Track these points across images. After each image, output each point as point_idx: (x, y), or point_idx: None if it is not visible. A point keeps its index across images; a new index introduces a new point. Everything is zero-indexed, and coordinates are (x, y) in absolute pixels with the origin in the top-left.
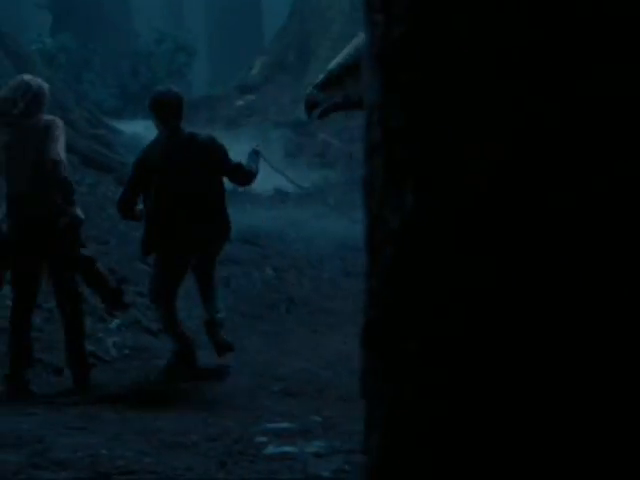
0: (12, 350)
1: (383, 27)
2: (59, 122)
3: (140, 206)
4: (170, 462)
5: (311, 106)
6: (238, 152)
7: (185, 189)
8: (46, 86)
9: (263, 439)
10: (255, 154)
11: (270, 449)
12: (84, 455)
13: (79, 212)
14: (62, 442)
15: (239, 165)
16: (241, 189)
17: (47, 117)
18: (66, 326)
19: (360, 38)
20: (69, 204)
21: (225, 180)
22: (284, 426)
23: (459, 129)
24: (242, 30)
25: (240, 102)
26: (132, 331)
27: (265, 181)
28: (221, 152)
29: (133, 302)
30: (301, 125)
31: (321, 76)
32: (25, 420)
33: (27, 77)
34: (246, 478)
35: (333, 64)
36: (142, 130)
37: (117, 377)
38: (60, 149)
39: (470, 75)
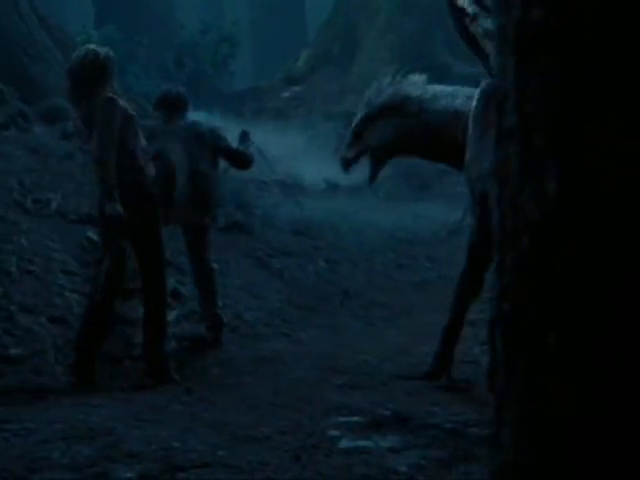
0: (86, 339)
1: (520, 10)
2: (111, 102)
3: None
4: (244, 456)
5: (347, 165)
6: (289, 143)
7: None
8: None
9: (336, 433)
10: (244, 136)
11: (344, 443)
12: (157, 448)
13: (116, 208)
14: (134, 434)
15: (236, 150)
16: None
17: (106, 95)
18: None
19: (373, 88)
20: (107, 200)
21: None
22: (356, 420)
23: (605, 115)
24: (285, 21)
25: (286, 94)
26: (190, 322)
27: (316, 173)
28: (219, 138)
29: (189, 294)
30: (350, 116)
31: (349, 134)
32: (93, 412)
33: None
34: (323, 472)
35: (354, 122)
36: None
37: (178, 369)
38: (104, 140)
39: (616, 58)
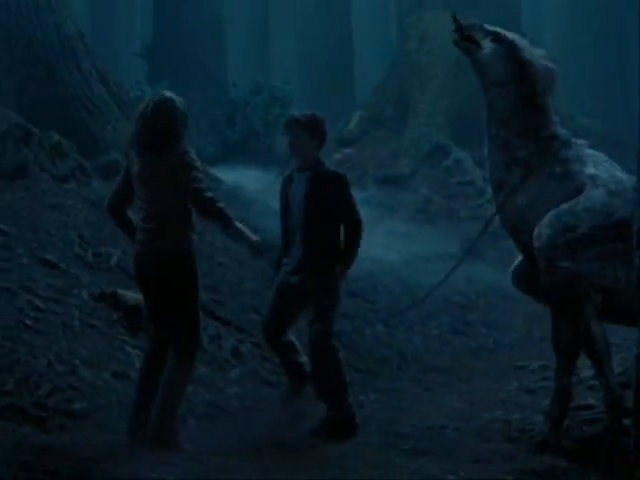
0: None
1: None
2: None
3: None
4: None
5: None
6: None
7: None
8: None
9: None
10: None
11: None
12: None
13: None
14: None
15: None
16: None
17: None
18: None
19: None
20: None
21: None
22: None
23: None
24: (334, 82)
25: (338, 155)
26: (252, 382)
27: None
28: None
29: (250, 353)
30: (402, 180)
31: None
32: (165, 470)
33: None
34: None
35: None
36: (241, 179)
37: (240, 429)
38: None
39: None
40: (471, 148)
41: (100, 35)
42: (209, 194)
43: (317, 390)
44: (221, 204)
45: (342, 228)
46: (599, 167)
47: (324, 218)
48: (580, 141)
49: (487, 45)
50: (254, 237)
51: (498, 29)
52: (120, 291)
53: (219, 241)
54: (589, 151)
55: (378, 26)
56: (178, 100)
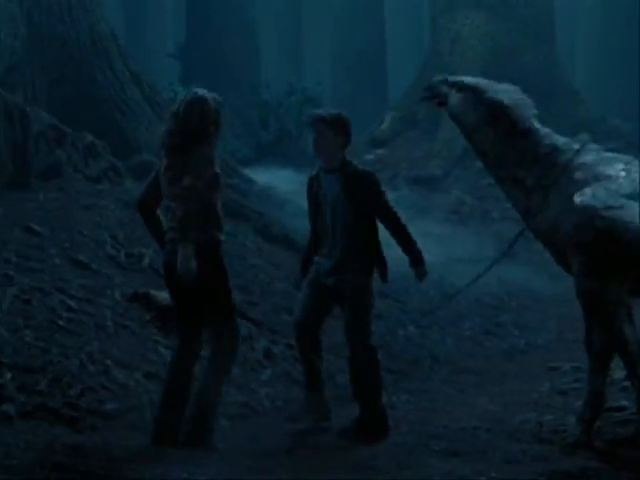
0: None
1: None
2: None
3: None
4: None
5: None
6: None
7: None
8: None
9: None
10: None
11: None
12: None
13: None
14: None
15: None
16: None
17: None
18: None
19: None
20: None
21: None
22: None
23: None
24: (367, 83)
25: (370, 156)
26: (283, 383)
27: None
28: None
29: (282, 354)
30: (434, 181)
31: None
32: (198, 471)
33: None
34: None
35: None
36: (274, 180)
37: (271, 430)
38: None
39: None
40: None
41: (133, 35)
42: None
43: (353, 390)
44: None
45: (378, 227)
46: (616, 168)
47: (358, 218)
48: (593, 146)
49: (454, 96)
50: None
51: (461, 78)
52: (152, 292)
53: (251, 242)
54: (607, 154)
55: (411, 27)
56: (211, 98)
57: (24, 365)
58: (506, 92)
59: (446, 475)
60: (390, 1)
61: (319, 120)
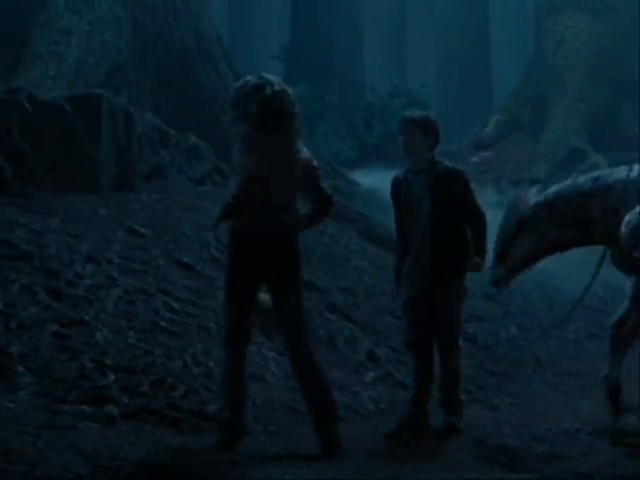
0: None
1: None
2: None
3: None
4: None
5: (498, 284)
6: None
7: None
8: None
9: None
10: None
11: None
12: None
13: None
14: None
15: None
16: None
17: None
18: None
19: (512, 200)
20: None
21: None
22: None
23: None
24: (471, 86)
25: (475, 159)
26: (386, 385)
27: None
28: None
29: (386, 356)
30: (538, 183)
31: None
32: (299, 473)
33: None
34: None
35: (494, 244)
36: (379, 182)
37: (374, 432)
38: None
39: None
40: (608, 152)
41: (237, 36)
42: None
43: (447, 393)
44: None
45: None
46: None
47: (451, 219)
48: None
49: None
50: None
51: None
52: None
53: (355, 244)
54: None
55: (515, 29)
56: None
57: (127, 367)
58: None
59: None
60: (494, 3)
61: (407, 121)
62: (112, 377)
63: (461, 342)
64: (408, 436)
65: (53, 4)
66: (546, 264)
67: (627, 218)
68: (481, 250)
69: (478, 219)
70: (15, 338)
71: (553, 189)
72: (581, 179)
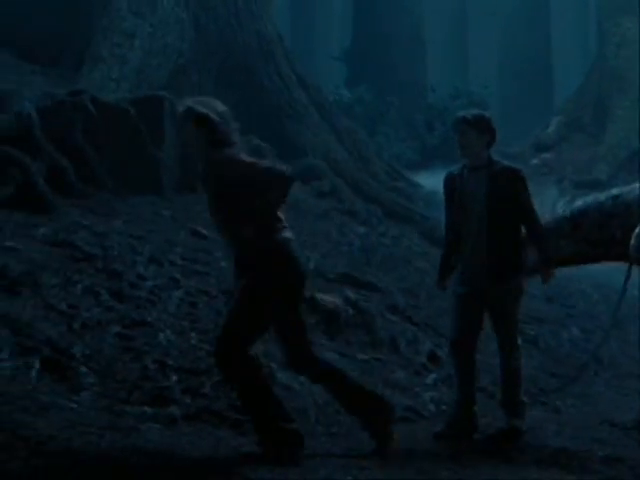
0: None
1: None
2: None
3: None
4: None
5: None
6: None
7: None
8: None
9: None
10: None
11: None
12: None
13: None
14: None
15: None
16: None
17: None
18: None
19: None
20: None
21: None
22: None
23: None
24: (532, 88)
25: (536, 160)
26: (448, 386)
27: None
28: None
29: (447, 357)
30: (600, 185)
31: None
32: (361, 474)
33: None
34: None
35: None
36: (440, 184)
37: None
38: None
39: None
40: None
41: (299, 37)
42: None
43: (508, 395)
44: None
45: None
46: None
47: (507, 217)
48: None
49: None
50: None
51: None
52: (318, 295)
53: (416, 245)
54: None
55: (577, 31)
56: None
57: (189, 368)
58: None
59: None
60: (556, 5)
61: (461, 121)
62: (174, 378)
63: (520, 342)
64: (455, 435)
65: (116, 7)
66: (607, 266)
67: (637, 230)
68: (547, 258)
69: (534, 223)
70: (78, 339)
71: (578, 205)
72: (602, 196)
